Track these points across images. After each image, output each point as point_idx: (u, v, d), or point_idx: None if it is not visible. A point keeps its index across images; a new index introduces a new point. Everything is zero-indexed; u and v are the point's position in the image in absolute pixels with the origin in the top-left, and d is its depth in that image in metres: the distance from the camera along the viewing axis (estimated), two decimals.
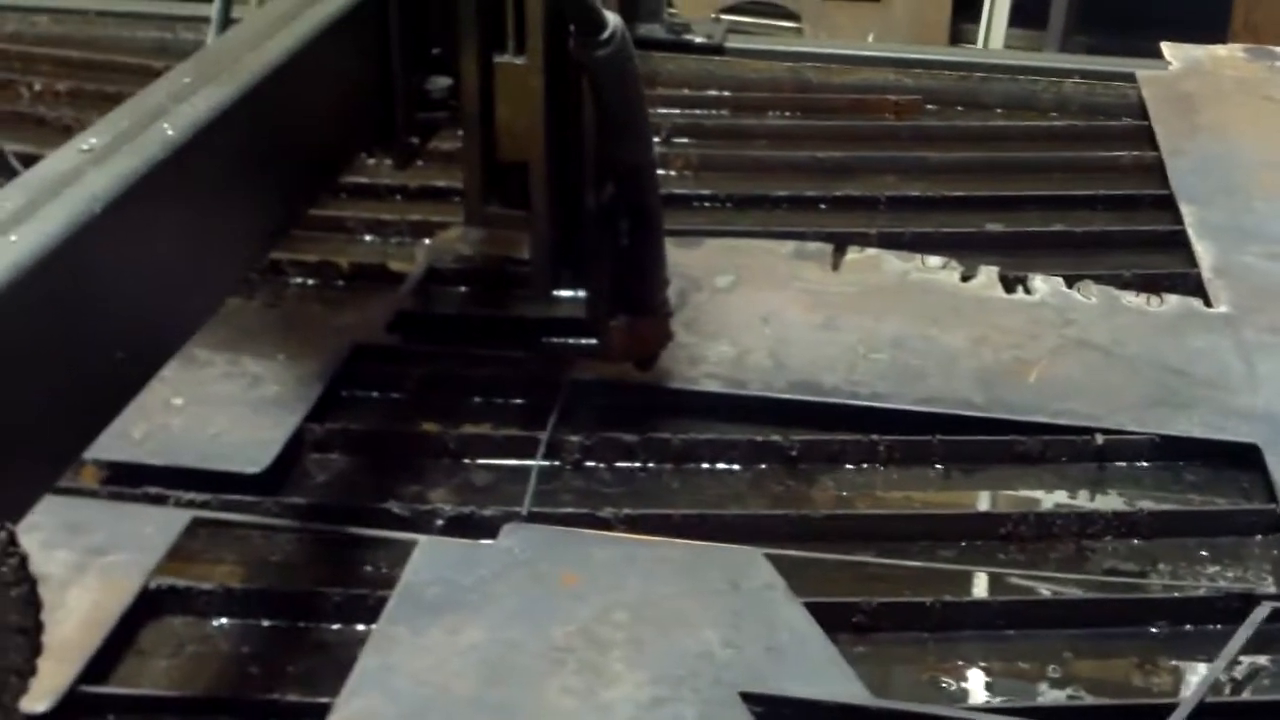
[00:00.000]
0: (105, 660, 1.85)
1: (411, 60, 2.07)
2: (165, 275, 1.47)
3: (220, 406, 2.29)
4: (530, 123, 2.07)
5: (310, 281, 2.70)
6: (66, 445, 1.33)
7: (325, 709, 1.75)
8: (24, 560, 1.11)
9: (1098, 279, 2.63)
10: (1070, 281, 2.61)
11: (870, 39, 4.76)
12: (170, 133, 1.47)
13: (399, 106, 2.06)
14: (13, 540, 1.10)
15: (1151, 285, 2.61)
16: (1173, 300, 2.57)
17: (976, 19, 5.40)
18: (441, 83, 2.12)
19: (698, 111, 3.40)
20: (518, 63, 2.05)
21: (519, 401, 2.37)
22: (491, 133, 2.10)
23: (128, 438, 2.16)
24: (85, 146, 1.43)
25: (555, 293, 2.27)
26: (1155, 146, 3.16)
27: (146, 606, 1.94)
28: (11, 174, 2.09)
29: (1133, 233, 2.87)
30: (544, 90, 2.05)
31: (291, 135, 1.75)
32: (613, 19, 1.96)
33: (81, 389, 1.34)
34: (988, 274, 2.63)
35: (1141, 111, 3.35)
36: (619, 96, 2.04)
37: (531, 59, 2.04)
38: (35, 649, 1.15)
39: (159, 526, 2.05)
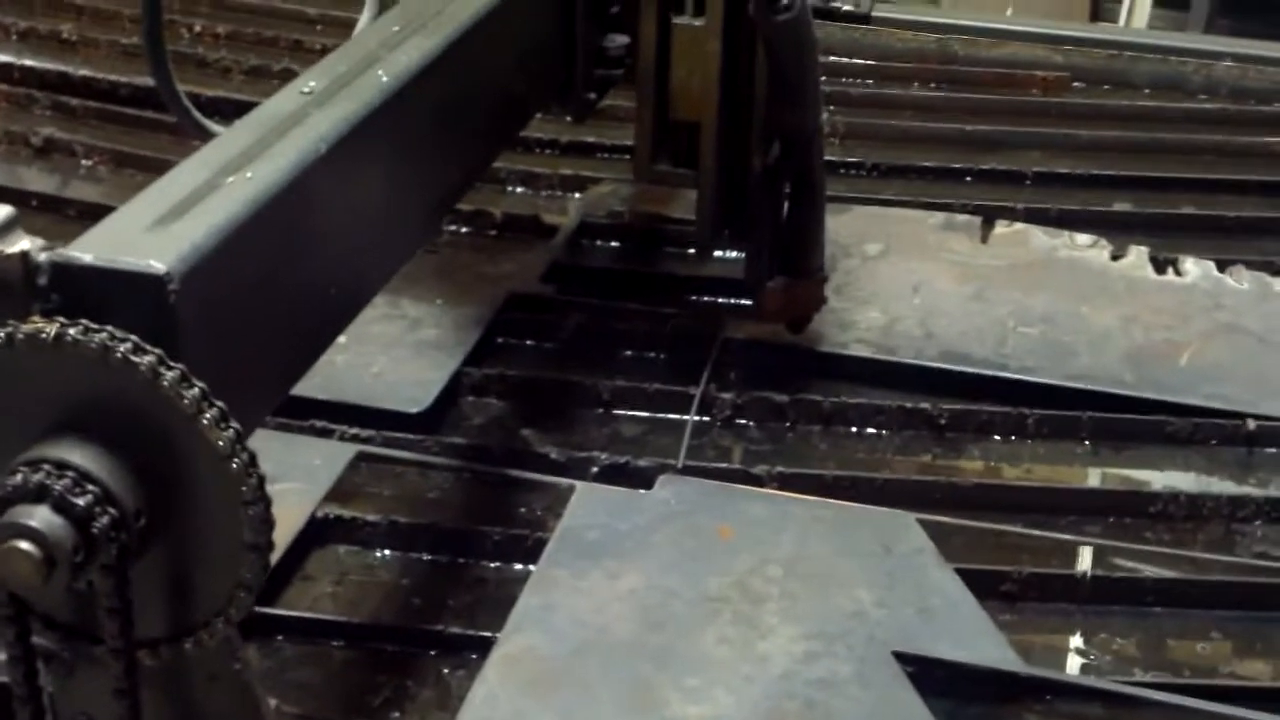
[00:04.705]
0: (275, 583, 1.92)
1: (593, 17, 2.11)
2: (374, 217, 1.53)
3: (382, 347, 2.36)
4: (705, 84, 2.11)
5: (464, 229, 2.76)
6: (289, 370, 1.40)
7: (488, 642, 1.81)
8: (262, 480, 1.18)
9: (1248, 264, 2.62)
10: (1221, 265, 2.60)
11: (1009, 13, 4.73)
12: (385, 79, 1.52)
13: (579, 62, 2.11)
14: (253, 460, 1.17)
15: None
16: None
17: None
18: (619, 40, 2.17)
19: (844, 80, 3.42)
20: (696, 24, 2.09)
21: (669, 356, 2.42)
22: (665, 92, 2.15)
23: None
24: (306, 89, 1.49)
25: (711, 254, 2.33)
26: None
27: (314, 534, 2.02)
28: (185, 113, 2.15)
29: None
30: (720, 53, 2.08)
31: (487, 86, 1.80)
32: None
33: (302, 320, 1.40)
34: (1138, 254, 2.64)
35: None
36: (794, 63, 2.07)
37: (710, 21, 2.08)
38: (265, 567, 1.21)
39: (325, 458, 2.12)
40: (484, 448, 2.20)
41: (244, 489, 1.16)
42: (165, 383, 1.11)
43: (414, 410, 2.23)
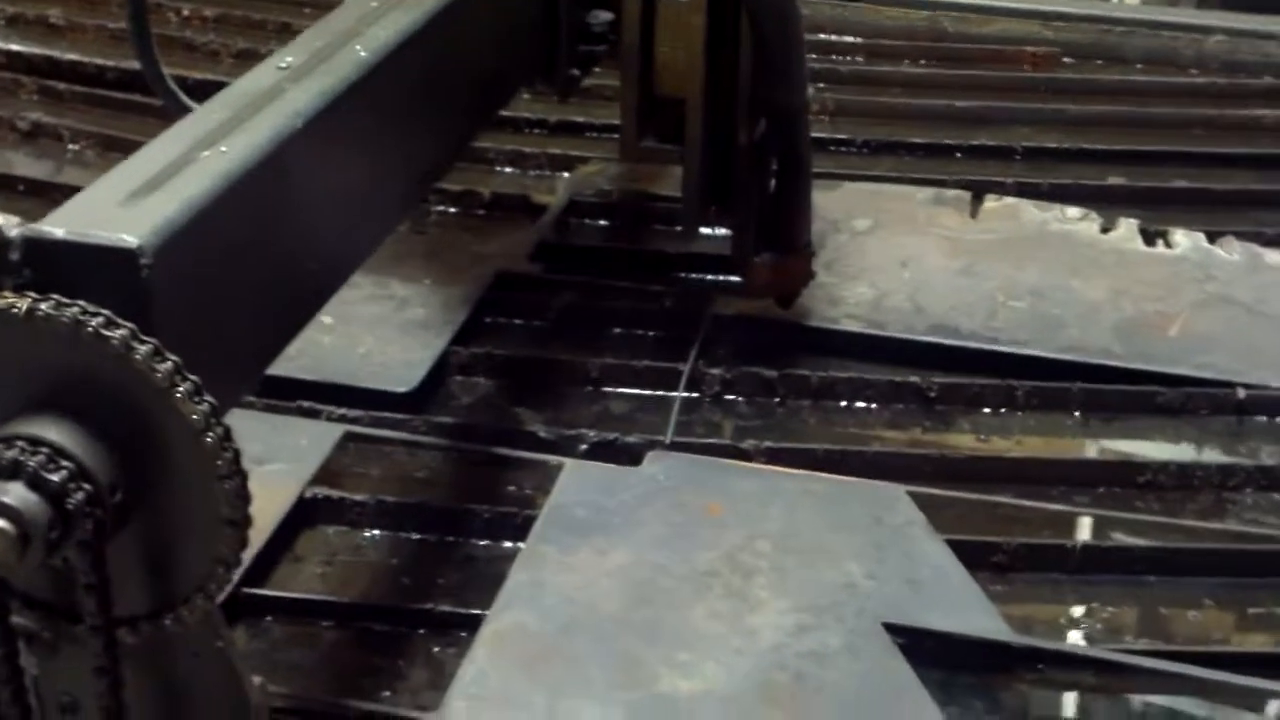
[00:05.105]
0: (264, 564, 1.92)
1: None
2: (353, 192, 1.52)
3: (369, 327, 2.35)
4: (690, 59, 2.10)
5: (452, 209, 2.75)
6: (267, 345, 1.39)
7: (477, 620, 1.80)
8: (238, 455, 1.17)
9: (1238, 236, 2.61)
10: (1211, 237, 2.59)
11: None
12: (363, 54, 1.51)
13: (562, 38, 2.10)
14: (228, 435, 1.16)
15: None
16: None
17: None
18: (603, 16, 2.15)
19: (833, 57, 3.40)
20: None
21: (658, 333, 2.41)
22: (650, 68, 2.14)
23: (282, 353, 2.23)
24: (282, 64, 1.48)
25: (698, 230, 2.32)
26: None
27: (302, 515, 2.01)
28: (170, 95, 2.13)
29: (1274, 192, 2.84)
30: (705, 28, 2.07)
31: (467, 62, 1.79)
32: None
33: (280, 294, 1.39)
34: (1127, 226, 2.63)
35: None
36: (779, 38, 2.06)
37: None
38: (242, 541, 1.21)
39: (313, 439, 2.11)
40: (472, 426, 2.20)
41: (219, 463, 1.16)
42: (138, 357, 1.11)
43: (402, 390, 2.22)
